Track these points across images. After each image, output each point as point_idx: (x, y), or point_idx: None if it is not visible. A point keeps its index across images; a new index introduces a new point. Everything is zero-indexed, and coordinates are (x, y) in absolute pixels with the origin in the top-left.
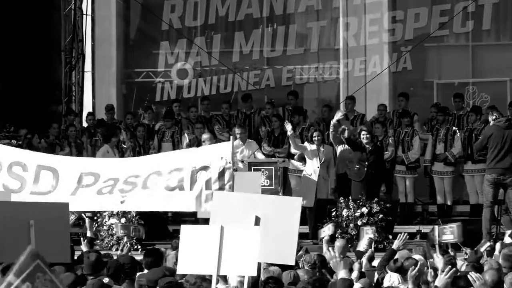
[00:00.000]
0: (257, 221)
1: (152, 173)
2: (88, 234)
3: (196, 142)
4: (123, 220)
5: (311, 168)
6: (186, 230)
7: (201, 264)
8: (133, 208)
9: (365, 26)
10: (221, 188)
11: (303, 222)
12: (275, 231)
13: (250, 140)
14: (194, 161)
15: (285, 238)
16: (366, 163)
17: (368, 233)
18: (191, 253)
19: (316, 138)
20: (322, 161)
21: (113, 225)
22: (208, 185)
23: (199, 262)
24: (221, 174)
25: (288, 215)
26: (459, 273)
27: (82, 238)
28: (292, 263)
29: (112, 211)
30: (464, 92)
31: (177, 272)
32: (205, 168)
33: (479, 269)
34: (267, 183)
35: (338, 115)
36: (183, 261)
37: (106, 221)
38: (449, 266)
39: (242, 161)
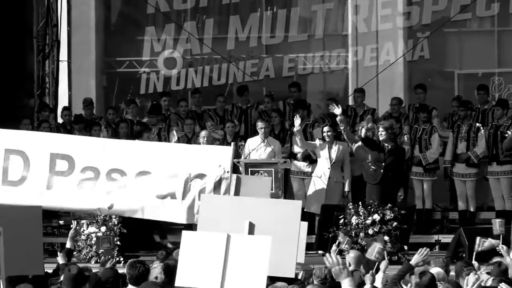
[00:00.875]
0: (251, 228)
1: (141, 173)
2: (68, 244)
3: (185, 140)
4: (103, 228)
5: (321, 169)
6: (187, 237)
7: (203, 277)
8: (121, 213)
9: (376, 9)
10: None
11: (312, 231)
12: (272, 239)
13: (271, 137)
14: (190, 167)
15: (283, 247)
16: (383, 164)
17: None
18: (192, 264)
19: (327, 134)
20: (333, 161)
21: (92, 235)
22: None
23: (201, 274)
24: (217, 184)
25: (286, 221)
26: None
27: (58, 249)
28: (292, 275)
29: (92, 219)
30: (489, 83)
31: (176, 285)
32: (201, 176)
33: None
34: None
35: (336, 111)
36: (183, 272)
37: (84, 230)
38: (476, 277)
39: (238, 162)
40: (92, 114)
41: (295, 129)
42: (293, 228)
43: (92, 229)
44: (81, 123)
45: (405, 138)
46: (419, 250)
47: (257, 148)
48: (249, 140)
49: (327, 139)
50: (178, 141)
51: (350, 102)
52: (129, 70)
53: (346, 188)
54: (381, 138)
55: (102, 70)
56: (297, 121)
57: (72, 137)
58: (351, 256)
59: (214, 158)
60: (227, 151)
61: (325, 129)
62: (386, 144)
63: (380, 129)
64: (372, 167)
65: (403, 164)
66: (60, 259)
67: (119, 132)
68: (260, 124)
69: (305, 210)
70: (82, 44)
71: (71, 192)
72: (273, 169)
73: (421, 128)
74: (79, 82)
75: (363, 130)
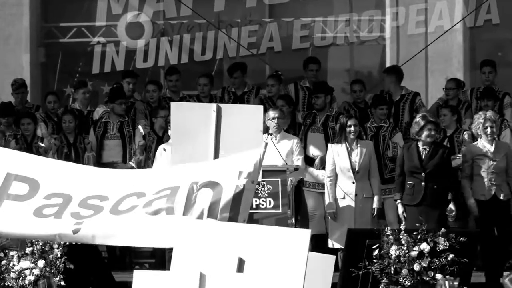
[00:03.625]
0: (241, 266)
1: (130, 194)
2: None
3: (155, 139)
4: (41, 263)
5: (344, 186)
6: (140, 278)
7: None
8: (89, 239)
9: None
10: (233, 219)
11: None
12: (268, 282)
13: (285, 132)
14: (196, 174)
15: None
16: (423, 174)
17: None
18: None
19: (353, 129)
20: (358, 170)
21: (25, 272)
22: (213, 212)
23: None
24: (237, 198)
25: (289, 257)
26: None
27: None
28: None
29: (24, 250)
30: None
31: None
32: (212, 185)
33: None
34: (269, 204)
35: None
36: None
37: (14, 265)
38: None
39: None
40: (25, 101)
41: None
42: (298, 268)
43: (25, 263)
44: (10, 115)
45: (466, 136)
46: None
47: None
48: None
49: (351, 137)
50: (145, 139)
51: (387, 87)
52: (77, 40)
53: (375, 204)
54: (428, 139)
55: (39, 41)
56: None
57: (42, 159)
58: None
59: (232, 163)
60: (253, 154)
61: (350, 122)
62: (425, 147)
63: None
64: (409, 182)
65: (450, 169)
66: None
67: (62, 127)
68: (271, 114)
69: (330, 246)
70: (10, 4)
71: (24, 218)
72: (279, 179)
73: None
74: (6, 57)
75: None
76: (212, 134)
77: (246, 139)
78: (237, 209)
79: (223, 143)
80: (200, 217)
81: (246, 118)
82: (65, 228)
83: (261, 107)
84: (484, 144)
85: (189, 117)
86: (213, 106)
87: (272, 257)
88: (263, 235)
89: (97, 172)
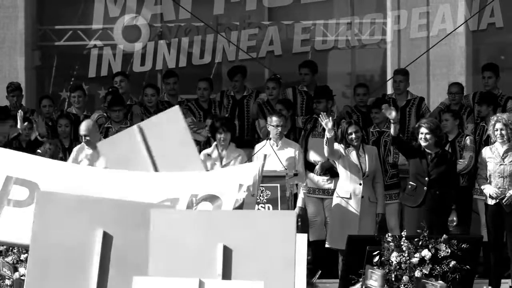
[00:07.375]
0: (227, 255)
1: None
2: None
3: None
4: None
5: (349, 187)
6: (140, 284)
7: None
8: None
9: None
10: None
11: (334, 273)
12: (257, 271)
13: (286, 138)
14: (195, 187)
15: (274, 284)
16: (427, 178)
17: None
18: None
19: (355, 136)
20: (367, 174)
21: (21, 279)
22: None
23: None
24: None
25: (277, 243)
26: None
27: None
28: None
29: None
30: None
31: None
32: (211, 199)
33: None
34: (268, 209)
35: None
36: None
37: (10, 275)
38: None
39: None
40: (19, 105)
41: (327, 135)
42: (287, 253)
43: (21, 271)
44: (5, 119)
45: (468, 142)
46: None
47: (267, 155)
48: (257, 147)
49: (354, 143)
50: None
51: (389, 90)
52: (73, 43)
53: (379, 209)
54: (424, 144)
55: (34, 44)
56: (328, 123)
57: (42, 159)
58: None
59: (232, 176)
60: (253, 167)
61: (351, 129)
62: (429, 151)
63: (423, 129)
64: (411, 183)
65: (455, 176)
66: None
67: (58, 132)
68: (275, 120)
69: (326, 245)
70: (5, 7)
71: (25, 227)
72: (278, 185)
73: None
74: (1, 60)
75: (392, 127)
76: (146, 153)
77: (177, 143)
78: None
79: (159, 157)
80: None
81: (168, 124)
82: None
83: (176, 107)
84: (496, 147)
85: (119, 149)
86: (135, 128)
87: (259, 241)
88: (247, 220)
89: (95, 173)
